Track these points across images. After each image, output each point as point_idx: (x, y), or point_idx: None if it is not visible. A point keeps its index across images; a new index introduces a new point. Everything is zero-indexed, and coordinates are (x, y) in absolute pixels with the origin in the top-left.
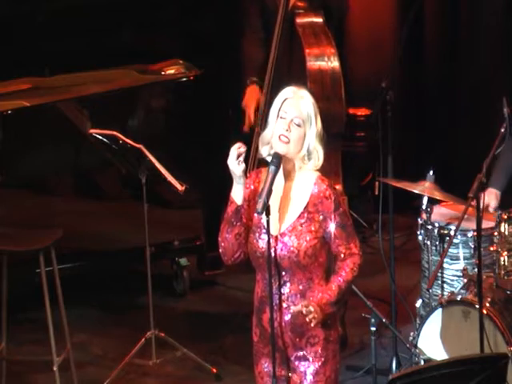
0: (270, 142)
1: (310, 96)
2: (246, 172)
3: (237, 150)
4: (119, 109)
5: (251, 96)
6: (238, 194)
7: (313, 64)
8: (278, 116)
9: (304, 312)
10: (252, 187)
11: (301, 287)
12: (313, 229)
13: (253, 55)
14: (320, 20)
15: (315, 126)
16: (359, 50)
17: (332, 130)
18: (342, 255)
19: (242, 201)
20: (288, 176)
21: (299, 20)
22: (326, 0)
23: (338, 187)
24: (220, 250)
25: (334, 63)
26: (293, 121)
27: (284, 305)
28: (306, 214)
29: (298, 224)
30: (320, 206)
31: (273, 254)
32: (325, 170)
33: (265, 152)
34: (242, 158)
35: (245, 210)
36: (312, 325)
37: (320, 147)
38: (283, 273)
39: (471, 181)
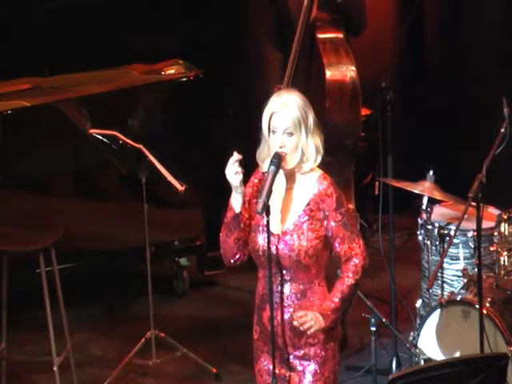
0: (268, 157)
1: (294, 97)
2: (243, 181)
3: (234, 160)
4: (119, 109)
5: None
6: (236, 202)
7: (331, 78)
8: (269, 131)
9: (297, 324)
10: (256, 183)
11: (301, 287)
12: (314, 227)
13: (271, 60)
14: (341, 35)
15: (304, 127)
16: (359, 50)
17: (345, 142)
18: (344, 256)
19: (241, 208)
20: (290, 176)
21: (320, 35)
22: (347, 14)
23: (350, 206)
24: (221, 251)
25: (353, 79)
26: (285, 132)
27: (284, 304)
28: (307, 212)
29: (299, 222)
30: (321, 204)
31: (274, 253)
32: (336, 184)
33: (266, 167)
34: (239, 169)
35: (245, 212)
36: (312, 330)
37: (312, 141)
38: (284, 271)
39: (471, 181)
